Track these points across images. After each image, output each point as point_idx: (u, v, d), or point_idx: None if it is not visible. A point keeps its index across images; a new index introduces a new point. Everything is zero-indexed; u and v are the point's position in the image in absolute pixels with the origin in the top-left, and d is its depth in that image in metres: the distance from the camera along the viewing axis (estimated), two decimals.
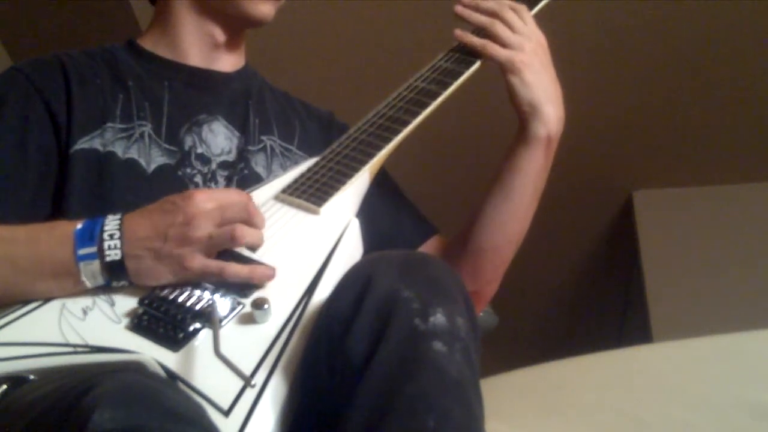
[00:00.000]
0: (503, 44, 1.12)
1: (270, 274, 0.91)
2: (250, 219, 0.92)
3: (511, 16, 1.14)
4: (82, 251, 0.89)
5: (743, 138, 3.01)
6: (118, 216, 0.91)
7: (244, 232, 0.90)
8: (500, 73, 1.12)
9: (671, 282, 3.14)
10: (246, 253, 0.93)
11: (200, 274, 0.89)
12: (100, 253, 0.89)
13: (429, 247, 1.22)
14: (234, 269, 0.90)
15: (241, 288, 0.91)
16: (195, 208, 0.89)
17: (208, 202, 0.90)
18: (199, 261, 0.89)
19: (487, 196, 1.16)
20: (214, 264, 0.90)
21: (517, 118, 1.13)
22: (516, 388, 1.23)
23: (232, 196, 0.93)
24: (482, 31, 1.15)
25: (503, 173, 1.15)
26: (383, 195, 1.21)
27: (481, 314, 1.19)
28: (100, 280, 0.90)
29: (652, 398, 1.13)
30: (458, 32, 1.16)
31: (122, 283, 0.90)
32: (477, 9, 1.16)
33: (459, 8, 1.17)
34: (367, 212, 1.10)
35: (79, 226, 0.91)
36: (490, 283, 1.20)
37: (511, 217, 1.15)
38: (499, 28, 1.13)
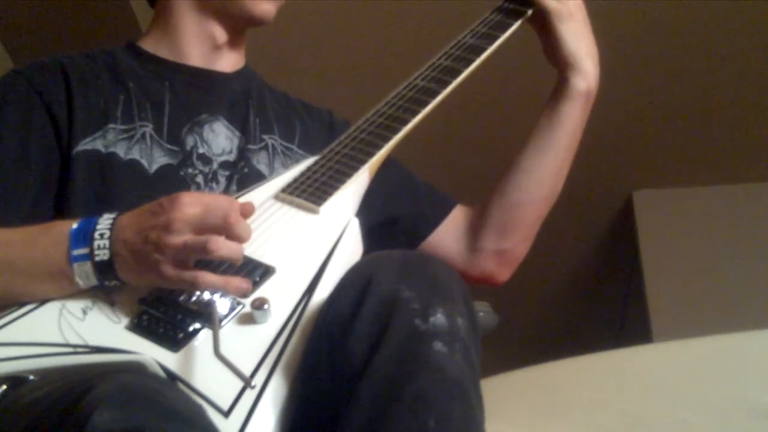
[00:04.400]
0: None
1: (245, 288, 0.88)
2: (230, 229, 0.86)
3: None
4: (76, 252, 0.88)
5: (743, 138, 3.01)
6: (113, 215, 0.90)
7: (219, 244, 0.84)
8: (542, 28, 1.15)
9: (671, 282, 3.13)
10: (245, 252, 0.93)
11: (174, 282, 0.87)
12: (91, 253, 0.88)
13: (453, 218, 1.24)
14: (208, 280, 0.86)
15: None
16: (177, 212, 0.85)
17: (193, 206, 0.86)
18: (171, 270, 0.86)
19: (524, 150, 1.19)
20: (187, 274, 0.86)
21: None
22: (516, 388, 1.23)
23: (218, 202, 0.88)
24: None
25: (541, 128, 1.18)
26: (397, 179, 1.24)
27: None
28: (93, 281, 0.89)
29: (652, 398, 1.13)
30: None
31: (114, 283, 0.89)
32: None
33: None
34: (385, 197, 1.12)
35: (75, 226, 0.90)
36: (524, 241, 1.22)
37: (547, 172, 1.18)
38: None
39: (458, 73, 1.14)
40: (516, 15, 1.18)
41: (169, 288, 0.89)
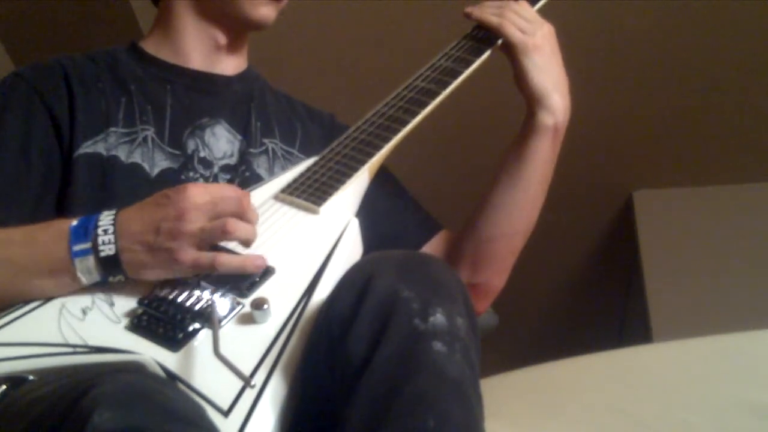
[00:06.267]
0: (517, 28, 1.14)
1: (261, 263, 0.90)
2: (243, 213, 0.90)
3: (518, 7, 1.16)
4: (77, 247, 0.89)
5: (743, 138, 3.01)
6: (113, 211, 0.91)
7: (236, 225, 0.88)
8: (510, 58, 1.14)
9: (671, 282, 3.13)
10: (240, 249, 0.93)
11: (192, 267, 0.88)
12: (95, 249, 0.88)
13: (435, 243, 1.22)
14: (226, 259, 0.89)
15: (240, 287, 0.91)
16: (188, 202, 0.88)
17: (202, 195, 0.89)
18: (190, 254, 0.88)
19: (494, 185, 1.16)
20: (206, 256, 0.88)
21: (520, 112, 1.14)
22: (516, 388, 1.23)
23: (226, 190, 0.92)
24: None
25: (510, 162, 1.15)
26: (386, 194, 1.21)
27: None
28: (96, 276, 0.89)
29: (652, 398, 1.13)
30: (471, 8, 1.16)
31: (118, 278, 0.90)
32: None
33: (469, 8, 1.18)
34: (371, 212, 1.10)
35: (74, 222, 0.91)
36: (498, 275, 1.19)
37: (518, 207, 1.16)
38: (511, 15, 1.14)
39: (459, 73, 1.14)
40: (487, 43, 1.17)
41: (185, 276, 0.89)
